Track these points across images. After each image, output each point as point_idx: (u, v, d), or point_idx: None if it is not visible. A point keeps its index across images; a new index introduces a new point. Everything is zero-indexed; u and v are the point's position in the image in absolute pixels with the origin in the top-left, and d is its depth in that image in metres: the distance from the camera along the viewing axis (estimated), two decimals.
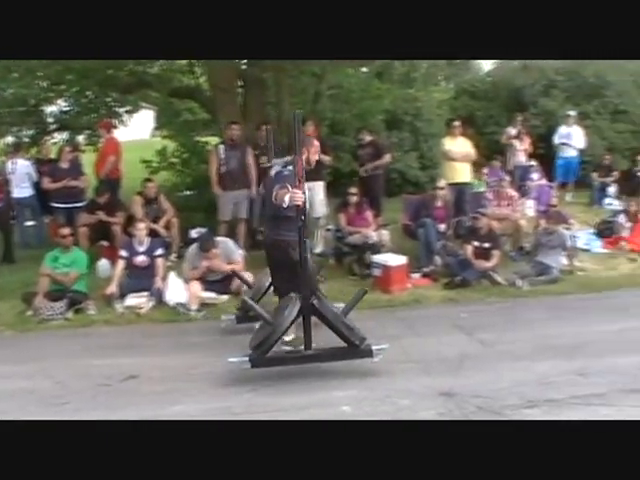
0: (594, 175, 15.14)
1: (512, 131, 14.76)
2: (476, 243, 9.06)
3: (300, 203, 5.46)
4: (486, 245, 9.00)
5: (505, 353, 6.35)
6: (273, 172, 6.13)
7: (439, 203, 9.86)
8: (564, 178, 14.81)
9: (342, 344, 5.80)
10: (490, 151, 15.90)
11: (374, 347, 5.81)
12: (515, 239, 10.17)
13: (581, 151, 15.35)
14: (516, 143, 14.44)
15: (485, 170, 14.04)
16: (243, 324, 7.05)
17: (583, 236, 11.09)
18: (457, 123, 11.30)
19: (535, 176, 13.88)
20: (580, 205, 14.12)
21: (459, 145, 11.05)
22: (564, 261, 9.34)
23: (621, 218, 11.21)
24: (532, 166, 14.16)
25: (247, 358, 5.65)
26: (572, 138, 15.00)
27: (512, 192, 10.72)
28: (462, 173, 10.96)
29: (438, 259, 9.30)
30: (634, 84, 20.58)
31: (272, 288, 6.76)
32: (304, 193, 5.49)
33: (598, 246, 10.86)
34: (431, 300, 8.33)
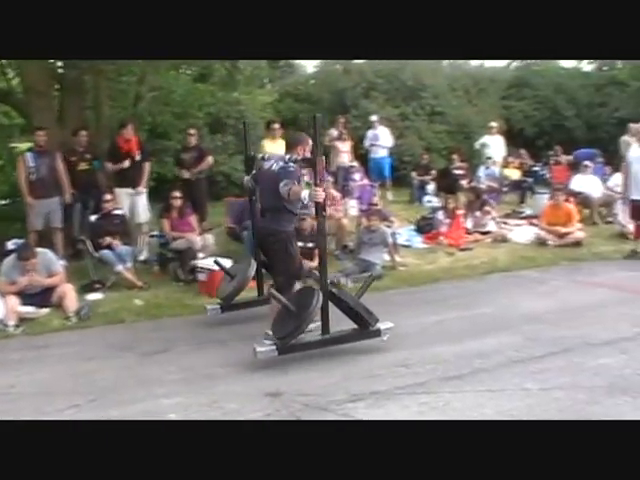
0: (413, 174, 15.73)
1: (334, 133, 15.05)
2: (300, 243, 9.06)
3: (321, 200, 5.86)
4: (310, 245, 9.08)
5: (330, 349, 6.35)
6: (274, 167, 6.31)
7: None
8: (379, 177, 15.26)
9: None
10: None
11: (382, 327, 6.33)
12: (339, 238, 10.35)
13: (391, 150, 15.93)
14: (339, 144, 14.73)
15: (305, 171, 14.20)
16: (226, 313, 7.44)
17: (404, 232, 11.48)
18: (276, 125, 11.33)
19: (357, 176, 14.21)
20: (401, 203, 14.61)
21: (279, 147, 11.08)
22: (386, 257, 9.60)
23: (440, 214, 11.70)
24: (354, 167, 14.50)
25: (274, 347, 5.89)
26: (380, 139, 15.54)
27: (334, 192, 10.90)
28: None
29: None
30: (449, 87, 21.54)
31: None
32: (324, 191, 5.93)
33: (419, 242, 11.27)
34: None
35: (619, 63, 29.41)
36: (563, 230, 11.20)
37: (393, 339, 6.44)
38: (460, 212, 11.95)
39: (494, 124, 17.32)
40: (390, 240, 9.65)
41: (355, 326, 6.35)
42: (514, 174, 16.86)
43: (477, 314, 7.47)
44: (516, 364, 5.88)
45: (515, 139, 21.33)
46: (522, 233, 11.93)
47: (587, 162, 14.47)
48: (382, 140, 15.60)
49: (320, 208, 6.00)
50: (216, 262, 8.07)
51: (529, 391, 5.27)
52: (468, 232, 11.75)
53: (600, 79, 28.14)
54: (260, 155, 7.22)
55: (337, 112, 17.94)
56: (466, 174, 15.23)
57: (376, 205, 10.74)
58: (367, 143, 15.62)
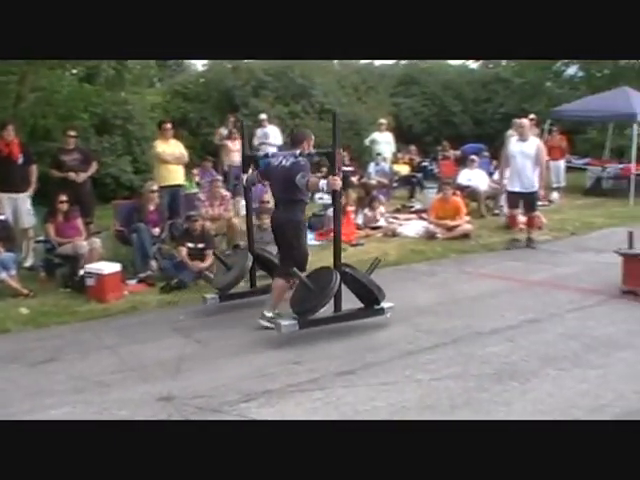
0: None
1: (224, 132, 14.95)
2: (190, 244, 9.02)
3: (338, 188, 6.56)
4: (200, 246, 8.98)
5: (224, 350, 6.36)
6: (284, 163, 6.87)
7: (152, 207, 9.67)
8: None
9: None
10: (205, 152, 16.04)
11: (385, 306, 6.92)
12: (230, 238, 10.28)
13: (281, 148, 15.95)
14: (229, 144, 14.63)
15: (195, 171, 14.08)
16: (225, 302, 7.81)
17: None
18: (168, 125, 11.13)
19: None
20: None
21: (171, 147, 10.92)
22: None
23: (331, 211, 11.73)
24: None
25: (296, 321, 6.40)
26: (269, 137, 15.56)
27: (224, 192, 10.83)
28: (175, 175, 10.83)
29: (154, 263, 9.14)
30: (338, 84, 21.71)
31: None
32: (341, 180, 6.67)
33: (310, 239, 11.26)
34: (148, 305, 8.13)
35: (503, 61, 30.35)
36: (451, 223, 11.46)
37: (285, 336, 6.44)
38: (351, 208, 12.06)
39: (383, 121, 17.56)
40: None
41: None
42: (404, 170, 17.16)
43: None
44: (408, 356, 5.98)
45: (404, 135, 21.74)
46: (412, 227, 12.13)
47: (473, 156, 14.86)
48: (272, 138, 15.59)
49: (337, 195, 6.74)
50: (214, 254, 8.61)
51: (420, 382, 5.37)
52: (359, 228, 11.88)
53: (486, 76, 29.01)
54: (263, 153, 7.94)
55: (227, 111, 17.87)
56: (356, 170, 15.39)
57: (267, 203, 10.67)
58: (256, 142, 15.58)
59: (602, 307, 7.47)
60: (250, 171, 8.10)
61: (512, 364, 5.71)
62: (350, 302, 6.91)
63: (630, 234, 7.98)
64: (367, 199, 12.54)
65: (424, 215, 12.66)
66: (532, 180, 10.61)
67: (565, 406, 4.83)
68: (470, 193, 13.54)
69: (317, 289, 6.50)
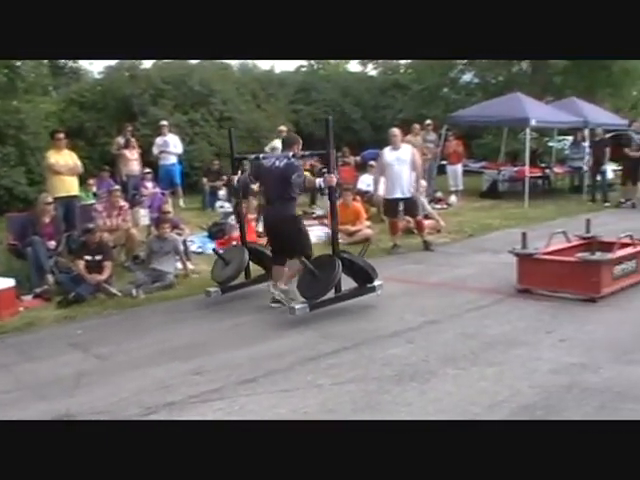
0: (204, 180, 15.65)
1: (121, 141, 14.71)
2: (88, 257, 8.80)
3: (334, 184, 7.53)
4: (98, 258, 8.78)
5: (123, 364, 6.22)
6: (277, 164, 7.62)
7: (47, 219, 9.40)
8: (170, 185, 15.09)
9: None
10: (103, 162, 15.74)
11: (376, 284, 7.74)
12: (129, 249, 10.11)
13: (181, 156, 15.86)
14: (126, 153, 14.39)
15: (92, 181, 13.80)
16: (227, 294, 8.37)
17: (197, 239, 11.39)
18: (61, 135, 10.86)
19: (149, 184, 13.94)
20: (194, 210, 14.50)
21: (64, 157, 10.64)
22: (179, 266, 9.47)
23: (232, 219, 11.69)
24: (148, 174, 14.21)
25: (306, 305, 7.11)
26: (169, 146, 15.42)
27: (122, 202, 10.63)
28: (69, 186, 10.57)
29: (50, 278, 8.88)
30: (237, 92, 21.66)
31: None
32: (336, 177, 7.75)
33: (211, 248, 11.20)
34: (45, 321, 7.88)
35: (402, 67, 30.95)
36: (352, 228, 11.57)
37: (187, 347, 6.38)
38: (251, 216, 12.01)
39: (283, 128, 17.59)
40: (182, 248, 9.54)
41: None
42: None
43: (271, 315, 7.51)
44: (309, 362, 5.97)
45: (305, 142, 21.79)
46: (313, 233, 12.14)
47: (373, 162, 15.02)
48: (172, 147, 15.43)
49: (333, 190, 7.64)
50: (214, 250, 9.05)
51: (322, 387, 5.37)
52: (260, 235, 11.81)
53: (384, 82, 29.48)
54: (253, 156, 8.65)
55: (125, 120, 17.56)
56: None
57: (167, 213, 10.55)
58: (156, 150, 15.39)
59: (499, 306, 7.65)
60: (239, 172, 8.76)
61: (412, 365, 5.77)
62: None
63: (523, 235, 8.22)
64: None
65: (325, 221, 12.71)
66: (410, 185, 10.85)
67: (464, 404, 4.91)
68: (370, 198, 13.68)
69: (322, 275, 7.25)
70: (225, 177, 15.71)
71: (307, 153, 8.34)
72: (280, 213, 7.66)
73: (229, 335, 6.91)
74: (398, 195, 10.83)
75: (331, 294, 7.43)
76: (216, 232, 11.73)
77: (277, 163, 7.64)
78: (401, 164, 10.79)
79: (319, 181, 7.63)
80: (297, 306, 7.07)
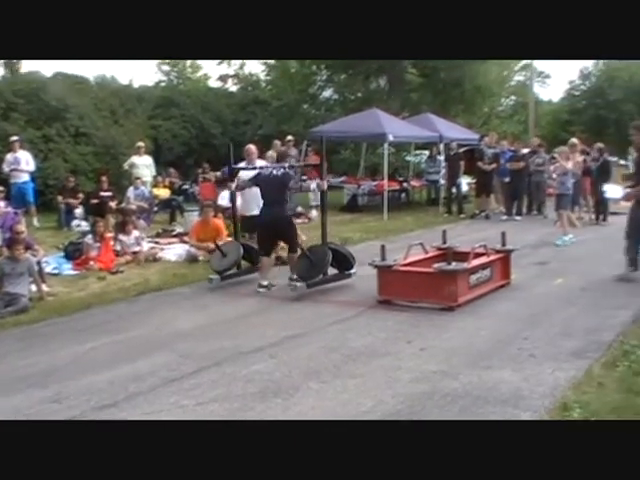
0: (60, 198, 15.15)
1: None
2: None
3: (325, 188, 9.64)
4: None
5: None
6: (275, 173, 9.44)
7: None
8: (22, 203, 14.52)
9: None
10: None
11: (352, 271, 9.56)
12: None
13: (34, 174, 15.34)
14: None
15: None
16: (226, 281, 9.79)
17: (52, 260, 10.98)
18: None
19: (1, 203, 13.35)
20: (49, 229, 13.99)
21: None
22: (33, 288, 9.07)
23: (89, 238, 11.35)
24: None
25: (305, 284, 8.81)
26: (21, 163, 14.88)
27: None
28: None
29: None
30: (94, 107, 21.13)
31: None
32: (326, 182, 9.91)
33: (68, 268, 10.84)
34: None
35: (262, 82, 31.13)
36: (213, 245, 11.42)
37: (44, 373, 6.11)
38: (109, 235, 11.71)
39: (141, 144, 17.33)
40: (36, 269, 9.15)
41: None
42: (164, 193, 16.98)
43: (131, 337, 7.32)
44: (171, 383, 5.84)
45: (164, 158, 21.54)
46: (173, 251, 12.03)
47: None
48: (23, 164, 14.84)
49: (325, 194, 9.82)
50: (215, 243, 10.33)
51: (185, 408, 5.27)
52: (118, 254, 11.53)
53: (244, 98, 29.50)
54: (241, 165, 10.99)
55: None
56: (114, 196, 15.02)
57: (20, 233, 10.09)
58: (6, 168, 14.76)
59: (361, 318, 7.78)
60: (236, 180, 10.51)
61: (275, 381, 5.75)
62: None
63: (382, 247, 8.39)
64: (127, 224, 12.23)
65: (186, 238, 12.57)
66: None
67: (328, 417, 4.93)
68: (231, 214, 13.60)
69: (316, 261, 9.05)
70: (81, 195, 15.28)
71: (302, 164, 12.45)
72: (278, 214, 9.26)
73: (87, 359, 6.64)
74: (255, 212, 10.80)
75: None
76: (73, 252, 11.33)
77: (275, 172, 9.45)
78: None
79: (313, 186, 10.61)
80: (298, 284, 8.77)
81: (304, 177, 18.40)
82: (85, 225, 13.68)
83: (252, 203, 10.80)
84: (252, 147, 11.28)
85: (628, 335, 6.74)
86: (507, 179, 17.44)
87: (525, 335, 6.89)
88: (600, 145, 16.54)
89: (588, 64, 39.70)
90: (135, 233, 12.07)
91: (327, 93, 28.91)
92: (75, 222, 14.39)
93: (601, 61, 41.06)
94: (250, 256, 10.16)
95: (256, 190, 10.79)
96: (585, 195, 16.57)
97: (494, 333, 7.06)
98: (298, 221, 14.57)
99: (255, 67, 50.45)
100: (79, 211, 14.86)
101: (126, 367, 6.33)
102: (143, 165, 16.79)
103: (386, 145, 18.22)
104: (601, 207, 16.03)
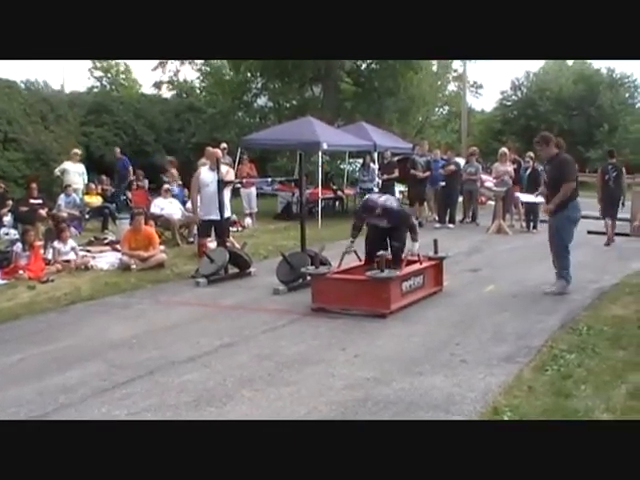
0: None
1: None
2: None
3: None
4: None
5: None
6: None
7: None
8: None
9: None
10: None
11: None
12: None
13: None
14: None
15: None
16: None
17: None
18: None
19: None
20: None
21: None
22: None
23: (18, 247, 11.10)
24: None
25: (286, 287, 9.48)
26: None
27: None
28: None
29: None
30: (24, 112, 20.76)
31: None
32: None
33: None
34: None
35: (198, 90, 31.00)
36: (145, 254, 11.33)
37: None
38: (39, 243, 11.48)
39: (78, 151, 17.12)
40: None
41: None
42: (96, 200, 16.75)
43: (61, 347, 7.16)
44: (103, 393, 5.75)
45: (96, 165, 21.25)
46: (105, 259, 11.87)
47: (167, 186, 14.89)
48: None
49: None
50: (205, 253, 10.57)
51: (117, 418, 5.18)
52: (49, 263, 11.31)
53: (179, 105, 29.32)
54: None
55: None
56: (45, 203, 14.75)
57: None
58: None
59: (294, 326, 7.79)
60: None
61: (209, 390, 5.72)
62: None
63: (315, 255, 8.43)
64: (57, 232, 12.01)
65: (118, 246, 12.42)
66: (228, 206, 11.00)
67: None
68: (164, 222, 13.53)
69: (297, 266, 9.41)
70: (10, 202, 14.95)
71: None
72: None
73: (15, 371, 6.47)
74: (213, 217, 10.79)
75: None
76: (1, 260, 11.06)
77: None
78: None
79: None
80: (281, 287, 9.40)
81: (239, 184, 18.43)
82: (14, 233, 13.38)
83: (211, 207, 10.76)
84: (217, 151, 11.71)
85: (557, 340, 6.92)
86: (443, 183, 17.74)
87: (457, 341, 7.01)
88: (531, 154, 16.91)
89: (519, 75, 40.68)
90: (71, 242, 11.86)
91: (261, 101, 28.90)
92: (3, 230, 14.07)
93: (532, 72, 42.09)
94: (237, 262, 10.70)
95: (215, 189, 10.84)
96: (516, 203, 16.94)
97: (426, 339, 7.15)
98: (232, 229, 14.58)
99: (190, 74, 50.24)
100: (8, 219, 14.53)
101: (56, 378, 6.19)
102: (75, 172, 16.55)
103: (320, 153, 18.31)
104: (531, 215, 16.38)
